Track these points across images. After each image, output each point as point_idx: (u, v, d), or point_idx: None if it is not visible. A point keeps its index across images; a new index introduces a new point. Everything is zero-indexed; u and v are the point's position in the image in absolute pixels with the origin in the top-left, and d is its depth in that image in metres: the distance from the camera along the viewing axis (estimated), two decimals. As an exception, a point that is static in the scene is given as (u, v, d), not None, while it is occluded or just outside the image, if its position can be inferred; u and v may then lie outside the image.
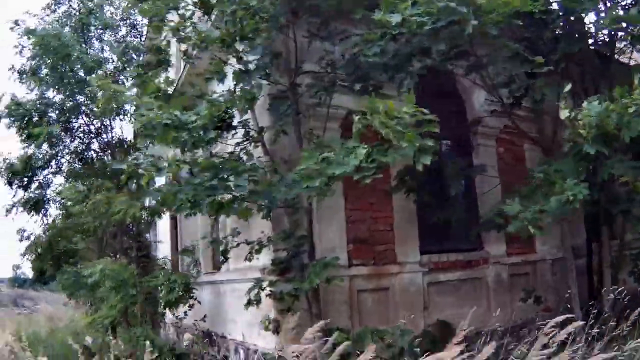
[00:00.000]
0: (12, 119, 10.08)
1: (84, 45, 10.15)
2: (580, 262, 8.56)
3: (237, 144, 6.66)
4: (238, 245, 6.66)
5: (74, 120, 10.58)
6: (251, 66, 6.36)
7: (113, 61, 9.13)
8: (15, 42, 10.44)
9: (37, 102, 10.10)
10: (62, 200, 9.48)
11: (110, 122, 10.54)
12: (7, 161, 10.38)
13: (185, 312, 8.65)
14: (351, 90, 6.49)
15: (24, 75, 10.28)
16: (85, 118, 10.64)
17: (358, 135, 5.36)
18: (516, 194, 6.21)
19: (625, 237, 7.96)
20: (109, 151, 11.09)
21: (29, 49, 10.13)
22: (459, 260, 7.99)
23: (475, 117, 8.50)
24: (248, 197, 5.75)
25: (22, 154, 10.44)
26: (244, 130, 6.69)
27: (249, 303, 6.57)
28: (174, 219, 11.83)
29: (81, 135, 10.40)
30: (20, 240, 12.58)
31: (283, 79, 6.57)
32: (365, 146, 5.06)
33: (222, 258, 6.82)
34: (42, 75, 10.13)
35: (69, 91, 9.96)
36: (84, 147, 10.39)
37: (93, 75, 8.74)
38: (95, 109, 8.95)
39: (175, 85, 8.23)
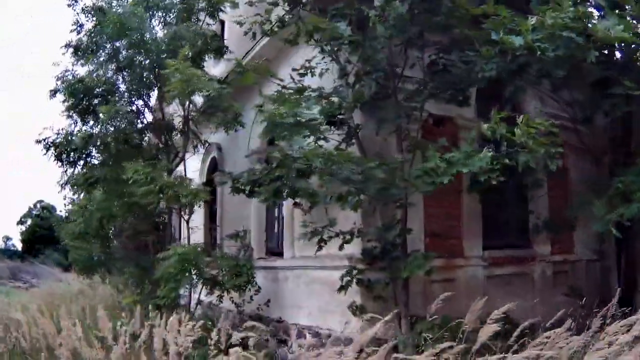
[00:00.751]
0: (69, 95, 10.24)
1: (156, 28, 10.35)
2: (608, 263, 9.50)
3: (343, 139, 7.18)
4: (337, 235, 7.15)
5: (135, 101, 10.82)
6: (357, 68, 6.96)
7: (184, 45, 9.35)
8: (72, 19, 10.48)
9: (101, 81, 10.27)
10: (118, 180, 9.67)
11: (162, 105, 10.79)
12: (68, 136, 10.46)
13: (251, 297, 9.07)
14: (433, 96, 7.12)
15: (84, 54, 10.36)
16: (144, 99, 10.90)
17: (474, 140, 6.07)
18: (593, 198, 6.96)
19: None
20: (153, 133, 11.40)
21: (92, 28, 10.18)
22: (513, 257, 8.77)
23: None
24: (375, 191, 6.29)
25: (84, 132, 10.57)
26: (347, 127, 7.21)
27: (342, 288, 7.11)
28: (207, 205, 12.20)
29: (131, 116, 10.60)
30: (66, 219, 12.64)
31: (387, 82, 7.10)
32: (491, 150, 5.74)
33: (317, 246, 7.29)
34: (104, 55, 10.26)
35: (137, 73, 10.19)
36: (130, 127, 10.61)
37: (168, 60, 9.01)
38: (167, 92, 9.23)
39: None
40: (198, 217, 11.85)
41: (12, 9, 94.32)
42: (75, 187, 10.76)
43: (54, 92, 10.75)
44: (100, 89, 10.26)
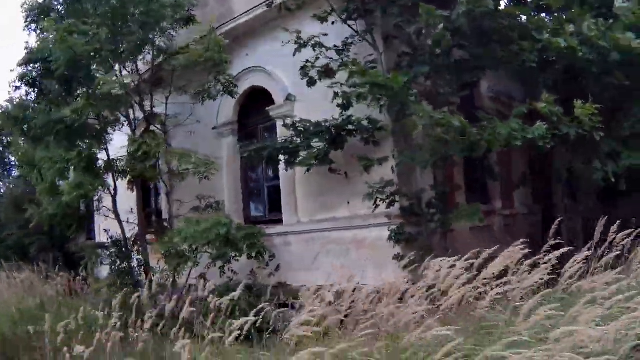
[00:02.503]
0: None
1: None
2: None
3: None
4: (393, 195, 7.98)
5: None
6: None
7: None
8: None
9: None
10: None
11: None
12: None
13: (267, 264, 9.32)
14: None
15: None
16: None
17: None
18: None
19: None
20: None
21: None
22: (485, 211, 10.36)
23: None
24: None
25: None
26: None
27: (397, 241, 8.03)
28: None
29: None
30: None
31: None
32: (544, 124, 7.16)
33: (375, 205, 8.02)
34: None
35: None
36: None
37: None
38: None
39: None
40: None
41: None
42: None
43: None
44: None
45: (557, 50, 7.51)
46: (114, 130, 10.54)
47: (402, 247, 8.23)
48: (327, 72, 8.80)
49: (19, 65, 10.64)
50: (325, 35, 8.61)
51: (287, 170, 9.07)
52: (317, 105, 9.07)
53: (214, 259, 9.17)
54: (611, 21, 7.92)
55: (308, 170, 8.68)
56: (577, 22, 7.65)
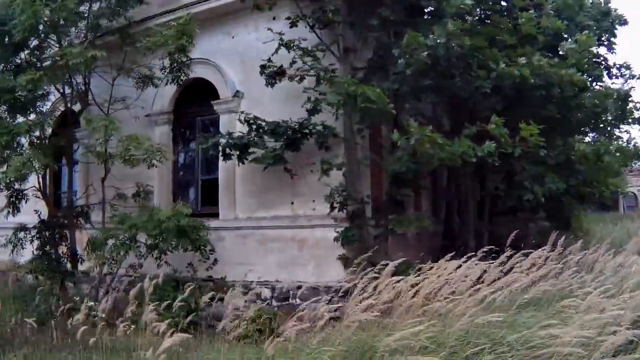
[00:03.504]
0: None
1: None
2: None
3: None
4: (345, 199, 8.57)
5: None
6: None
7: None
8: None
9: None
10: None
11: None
12: None
13: (207, 257, 9.35)
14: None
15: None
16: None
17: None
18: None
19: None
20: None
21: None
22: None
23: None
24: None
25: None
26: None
27: (345, 242, 8.65)
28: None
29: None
30: None
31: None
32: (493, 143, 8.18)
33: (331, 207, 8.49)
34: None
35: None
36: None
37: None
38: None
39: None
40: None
41: None
42: None
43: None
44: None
45: (511, 78, 8.54)
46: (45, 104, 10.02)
47: (347, 249, 8.83)
48: (280, 74, 9.21)
49: None
50: (305, 39, 8.96)
51: (239, 165, 9.22)
52: (262, 104, 9.53)
53: (154, 249, 9.14)
54: (556, 59, 9.20)
55: (265, 168, 8.97)
56: (527, 56, 8.75)
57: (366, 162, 9.03)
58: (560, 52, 10.09)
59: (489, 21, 9.56)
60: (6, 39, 9.47)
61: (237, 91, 9.85)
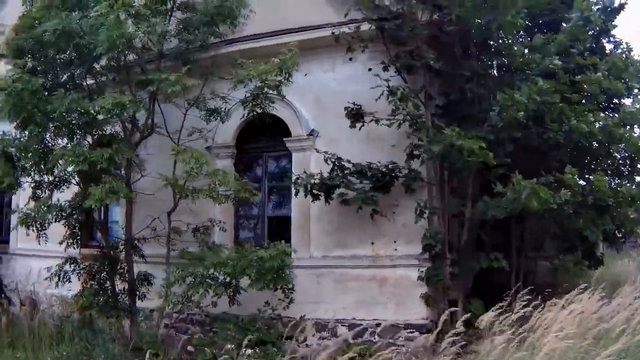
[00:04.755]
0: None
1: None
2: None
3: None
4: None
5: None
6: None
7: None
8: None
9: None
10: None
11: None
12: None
13: (287, 297, 9.41)
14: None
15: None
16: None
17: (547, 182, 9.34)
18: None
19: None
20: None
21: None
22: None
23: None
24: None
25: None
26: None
27: (428, 282, 9.23)
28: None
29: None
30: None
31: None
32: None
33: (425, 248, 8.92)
34: None
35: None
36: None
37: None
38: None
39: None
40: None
41: None
42: None
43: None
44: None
45: (580, 132, 9.44)
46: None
47: (430, 287, 9.33)
48: (358, 116, 9.57)
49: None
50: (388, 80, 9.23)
51: (326, 204, 9.50)
52: (338, 143, 9.89)
53: (227, 287, 9.16)
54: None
55: (359, 209, 9.27)
56: (593, 114, 9.71)
57: (449, 206, 9.54)
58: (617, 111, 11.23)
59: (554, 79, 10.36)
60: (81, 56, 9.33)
61: (312, 130, 10.14)
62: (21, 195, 11.62)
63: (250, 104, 9.52)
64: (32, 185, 10.24)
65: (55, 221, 9.61)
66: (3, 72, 9.72)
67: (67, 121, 9.15)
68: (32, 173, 9.96)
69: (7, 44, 9.93)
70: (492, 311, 6.97)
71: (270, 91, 9.28)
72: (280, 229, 10.61)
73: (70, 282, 10.35)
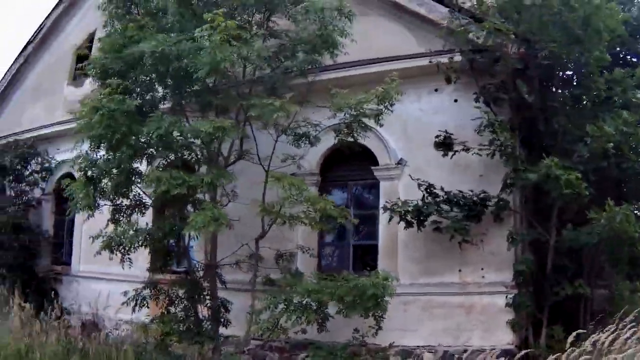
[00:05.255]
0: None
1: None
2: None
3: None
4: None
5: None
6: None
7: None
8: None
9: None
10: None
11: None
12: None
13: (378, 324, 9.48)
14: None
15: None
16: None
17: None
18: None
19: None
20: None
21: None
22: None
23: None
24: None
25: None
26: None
27: (517, 308, 9.46)
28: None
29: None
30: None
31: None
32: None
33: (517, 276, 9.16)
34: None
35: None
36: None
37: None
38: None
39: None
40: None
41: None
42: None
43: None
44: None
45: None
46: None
47: (516, 314, 9.55)
48: (448, 145, 9.87)
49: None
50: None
51: (419, 231, 9.75)
52: (426, 173, 10.12)
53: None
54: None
55: (452, 238, 9.49)
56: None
57: (534, 234, 9.80)
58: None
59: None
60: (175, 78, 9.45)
61: (401, 159, 10.38)
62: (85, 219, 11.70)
63: (343, 132, 9.69)
64: (111, 208, 10.28)
65: (143, 246, 9.62)
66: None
67: (159, 144, 9.17)
68: (111, 196, 10.00)
69: (93, 64, 9.99)
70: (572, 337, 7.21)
71: (366, 120, 9.45)
72: (365, 257, 10.78)
73: (148, 307, 10.36)
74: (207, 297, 10.07)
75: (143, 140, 9.16)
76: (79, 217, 13.25)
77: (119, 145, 9.05)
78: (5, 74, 18.05)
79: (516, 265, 9.46)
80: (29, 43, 17.30)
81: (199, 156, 9.77)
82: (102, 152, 9.89)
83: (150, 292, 10.14)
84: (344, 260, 11.15)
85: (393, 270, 10.17)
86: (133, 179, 9.83)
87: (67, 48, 16.41)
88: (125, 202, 10.24)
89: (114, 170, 9.63)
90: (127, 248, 9.64)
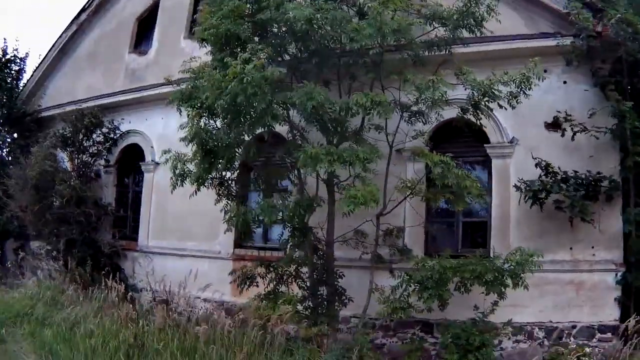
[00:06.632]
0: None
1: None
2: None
3: None
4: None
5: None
6: None
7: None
8: None
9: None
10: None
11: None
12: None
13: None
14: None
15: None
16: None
17: None
18: None
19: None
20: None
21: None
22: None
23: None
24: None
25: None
26: None
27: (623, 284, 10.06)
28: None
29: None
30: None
31: None
32: None
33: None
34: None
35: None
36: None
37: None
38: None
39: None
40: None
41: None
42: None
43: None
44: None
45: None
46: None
47: (624, 291, 10.10)
48: (556, 125, 10.24)
49: None
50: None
51: (541, 209, 10.12)
52: (538, 151, 10.43)
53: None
54: None
55: (572, 217, 9.95)
56: None
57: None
58: None
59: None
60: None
61: (513, 137, 10.64)
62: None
63: (470, 110, 9.76)
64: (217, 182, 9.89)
65: (282, 222, 9.31)
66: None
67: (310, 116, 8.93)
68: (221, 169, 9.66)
69: (205, 30, 9.46)
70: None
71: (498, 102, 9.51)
72: (474, 234, 10.95)
73: (257, 285, 10.05)
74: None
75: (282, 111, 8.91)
76: (147, 191, 12.60)
77: (262, 116, 8.69)
78: (56, 42, 17.41)
79: (633, 243, 9.95)
80: (82, 10, 16.70)
81: (331, 129, 9.52)
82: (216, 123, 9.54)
83: (264, 270, 9.83)
84: (452, 237, 11.31)
85: (505, 248, 10.40)
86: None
87: (127, 15, 15.93)
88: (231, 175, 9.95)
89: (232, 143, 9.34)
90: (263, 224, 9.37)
